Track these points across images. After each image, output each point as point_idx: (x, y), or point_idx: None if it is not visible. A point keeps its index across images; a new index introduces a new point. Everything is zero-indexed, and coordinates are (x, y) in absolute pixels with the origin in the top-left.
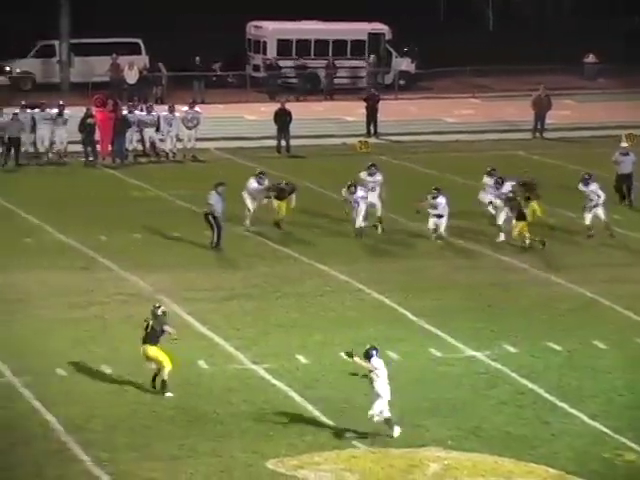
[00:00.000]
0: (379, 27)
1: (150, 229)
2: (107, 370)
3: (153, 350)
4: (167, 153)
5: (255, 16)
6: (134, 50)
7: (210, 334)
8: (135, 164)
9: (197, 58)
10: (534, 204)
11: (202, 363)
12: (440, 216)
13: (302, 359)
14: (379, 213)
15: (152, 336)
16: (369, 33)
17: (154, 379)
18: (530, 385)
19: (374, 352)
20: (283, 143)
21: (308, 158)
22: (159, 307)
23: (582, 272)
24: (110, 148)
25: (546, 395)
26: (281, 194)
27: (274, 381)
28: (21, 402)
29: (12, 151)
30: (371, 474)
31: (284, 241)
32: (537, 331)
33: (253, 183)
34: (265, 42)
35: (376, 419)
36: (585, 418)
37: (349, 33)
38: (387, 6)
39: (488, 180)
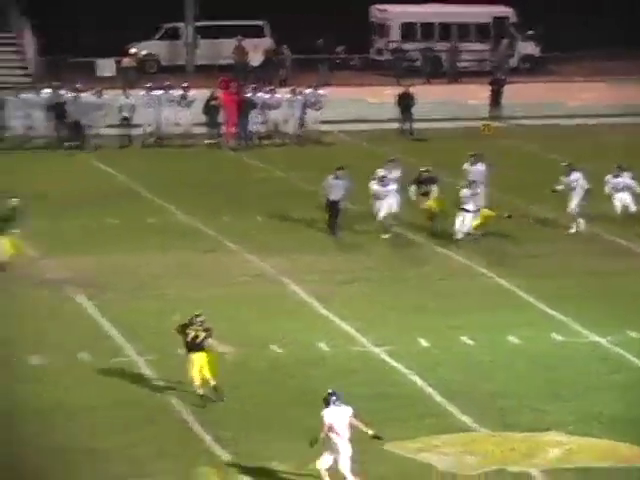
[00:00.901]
0: (504, 10)
1: (272, 211)
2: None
3: (202, 357)
4: (290, 135)
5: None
6: (259, 33)
7: (331, 316)
8: (258, 146)
9: (320, 41)
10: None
11: (323, 345)
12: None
13: (423, 342)
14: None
15: (200, 346)
16: (494, 16)
17: (202, 397)
18: None
19: (333, 398)
20: (406, 126)
21: (431, 141)
22: (199, 317)
23: None
24: (234, 130)
25: None
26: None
27: (394, 363)
28: (143, 381)
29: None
30: (492, 457)
31: (404, 224)
32: None
33: (374, 185)
34: (389, 25)
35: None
36: None
37: (473, 16)
38: None
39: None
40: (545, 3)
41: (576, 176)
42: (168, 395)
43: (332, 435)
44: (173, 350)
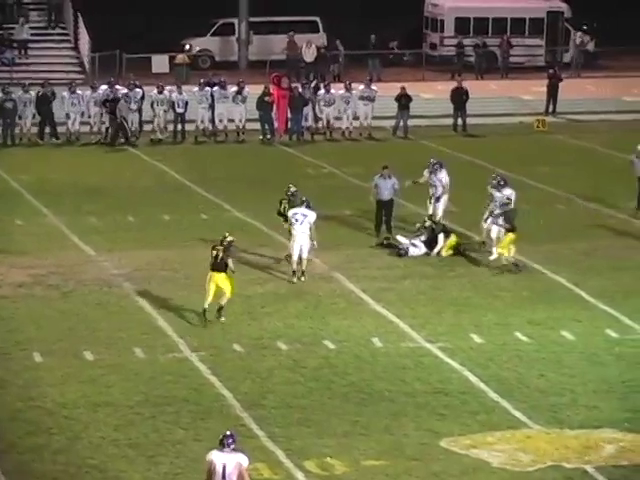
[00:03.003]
0: (558, 5)
1: (324, 207)
2: (282, 346)
3: (221, 278)
4: (343, 131)
5: None
6: (312, 28)
7: (384, 312)
8: (311, 142)
9: (372, 36)
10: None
11: (376, 341)
12: None
13: (476, 338)
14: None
15: (220, 265)
16: (547, 11)
17: (204, 312)
18: None
19: (229, 441)
20: (459, 122)
21: (484, 137)
22: (227, 237)
23: None
24: (287, 126)
25: None
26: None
27: (448, 360)
28: (197, 377)
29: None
30: (545, 455)
31: (455, 220)
32: None
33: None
34: (442, 20)
35: None
36: None
37: (527, 11)
38: None
39: None
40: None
41: (508, 192)
42: (222, 392)
43: None
44: (227, 346)
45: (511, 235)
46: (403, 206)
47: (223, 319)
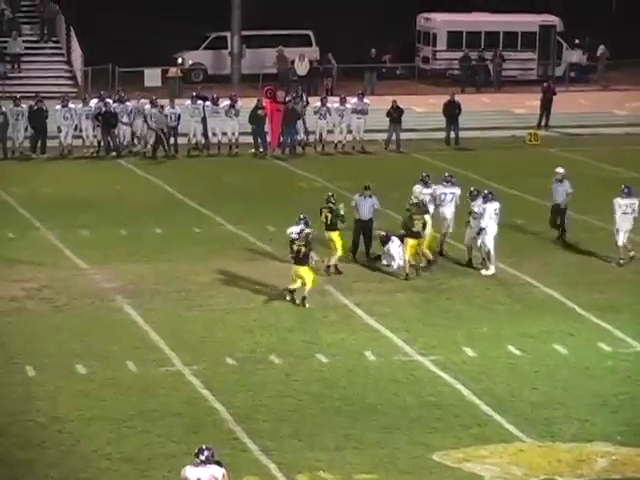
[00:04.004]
0: (550, 19)
1: (317, 220)
2: (275, 360)
3: (304, 270)
4: (335, 144)
5: (425, 8)
6: (305, 42)
7: (377, 325)
8: (304, 155)
9: (373, 50)
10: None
11: (369, 354)
12: None
13: (469, 352)
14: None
15: (303, 259)
16: (540, 25)
17: (292, 292)
18: None
19: (206, 454)
20: (452, 135)
21: (477, 150)
22: (305, 230)
23: None
24: (279, 139)
25: None
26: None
27: (440, 373)
28: (190, 391)
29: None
30: (538, 468)
31: (453, 235)
32: None
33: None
34: (435, 34)
35: None
36: None
37: (519, 25)
38: None
39: None
40: (592, 11)
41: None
42: (214, 405)
43: None
44: (220, 360)
45: (410, 241)
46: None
47: (308, 305)
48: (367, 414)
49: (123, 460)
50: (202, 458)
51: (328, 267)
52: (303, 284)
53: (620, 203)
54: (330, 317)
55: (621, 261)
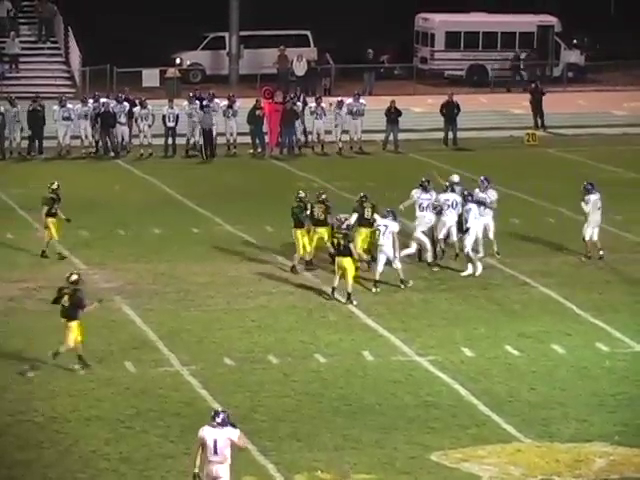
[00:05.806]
0: (548, 19)
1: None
2: (273, 360)
3: (347, 261)
4: (334, 145)
5: (424, 8)
6: (303, 42)
7: (375, 325)
8: (302, 156)
9: (370, 51)
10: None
11: (367, 354)
12: None
13: (467, 352)
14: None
15: (345, 251)
16: (538, 25)
17: (333, 289)
18: None
19: (222, 416)
20: (450, 135)
21: (475, 150)
22: (344, 223)
23: None
24: (277, 139)
25: None
26: None
27: (438, 373)
28: (188, 391)
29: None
30: (536, 468)
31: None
32: None
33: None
34: (433, 34)
35: None
36: None
37: (518, 25)
38: None
39: None
40: (590, 12)
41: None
42: (212, 405)
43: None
44: (218, 360)
45: (297, 232)
46: None
47: (355, 302)
48: (365, 414)
49: (121, 460)
50: (218, 421)
51: (293, 266)
52: (343, 276)
53: (594, 199)
54: (328, 317)
55: (589, 255)
